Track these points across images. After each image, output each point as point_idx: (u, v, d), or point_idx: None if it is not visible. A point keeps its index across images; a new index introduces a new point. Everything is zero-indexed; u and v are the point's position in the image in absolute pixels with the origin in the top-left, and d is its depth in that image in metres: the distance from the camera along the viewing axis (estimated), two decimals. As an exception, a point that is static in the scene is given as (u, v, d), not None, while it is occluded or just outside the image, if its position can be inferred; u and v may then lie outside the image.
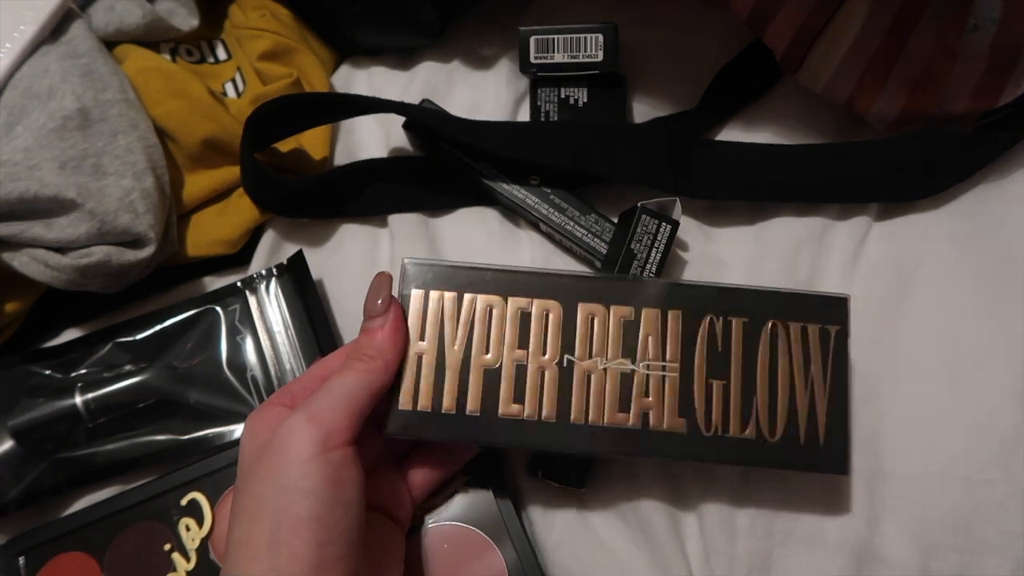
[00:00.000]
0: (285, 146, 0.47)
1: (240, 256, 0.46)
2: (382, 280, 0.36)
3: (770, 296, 0.37)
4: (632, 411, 0.35)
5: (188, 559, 0.39)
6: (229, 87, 0.51)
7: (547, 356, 0.36)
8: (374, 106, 0.45)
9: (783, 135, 0.46)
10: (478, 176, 0.45)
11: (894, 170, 0.43)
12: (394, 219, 0.46)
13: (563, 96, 0.47)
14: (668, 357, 0.36)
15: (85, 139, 0.42)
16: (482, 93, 0.50)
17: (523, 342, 0.36)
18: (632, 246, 0.40)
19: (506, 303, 0.36)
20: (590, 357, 0.36)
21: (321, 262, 0.46)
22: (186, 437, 0.42)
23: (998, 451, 0.38)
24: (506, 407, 0.35)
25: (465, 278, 0.36)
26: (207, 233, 0.46)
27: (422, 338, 0.36)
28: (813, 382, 0.36)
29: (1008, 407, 0.39)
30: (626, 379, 0.36)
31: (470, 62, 0.51)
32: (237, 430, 0.42)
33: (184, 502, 0.40)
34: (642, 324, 0.36)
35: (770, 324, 0.37)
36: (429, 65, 0.51)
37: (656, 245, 0.41)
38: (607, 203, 0.46)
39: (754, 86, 0.47)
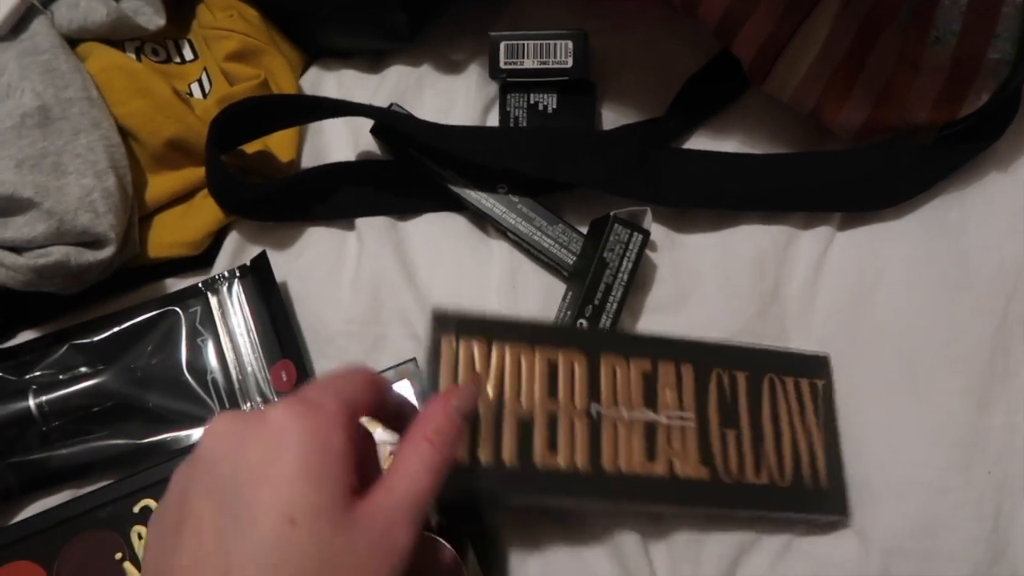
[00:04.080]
0: (251, 148, 0.46)
1: (203, 258, 0.46)
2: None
3: (766, 354, 0.40)
4: (659, 460, 0.36)
5: (141, 569, 0.38)
6: (195, 88, 0.50)
7: (577, 407, 0.36)
8: (342, 109, 0.44)
9: (750, 144, 0.46)
10: (446, 184, 0.45)
11: (857, 180, 0.43)
12: (361, 222, 0.46)
13: (532, 102, 0.47)
14: (685, 407, 0.37)
15: (44, 137, 0.41)
16: (451, 98, 0.49)
17: (552, 391, 0.36)
18: (604, 255, 0.40)
19: (534, 353, 0.36)
20: (616, 407, 0.36)
21: (286, 264, 0.46)
22: (144, 441, 0.41)
23: (957, 457, 0.39)
24: (543, 458, 0.35)
25: (492, 327, 0.36)
26: (169, 234, 0.45)
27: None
28: (811, 430, 0.38)
29: (966, 414, 0.39)
30: (650, 429, 0.36)
31: (440, 67, 0.51)
32: (196, 434, 0.41)
33: (137, 509, 0.39)
34: (660, 376, 0.37)
35: (768, 378, 0.39)
36: (399, 69, 0.50)
37: (628, 255, 0.41)
38: (574, 210, 0.46)
39: (722, 95, 0.48)
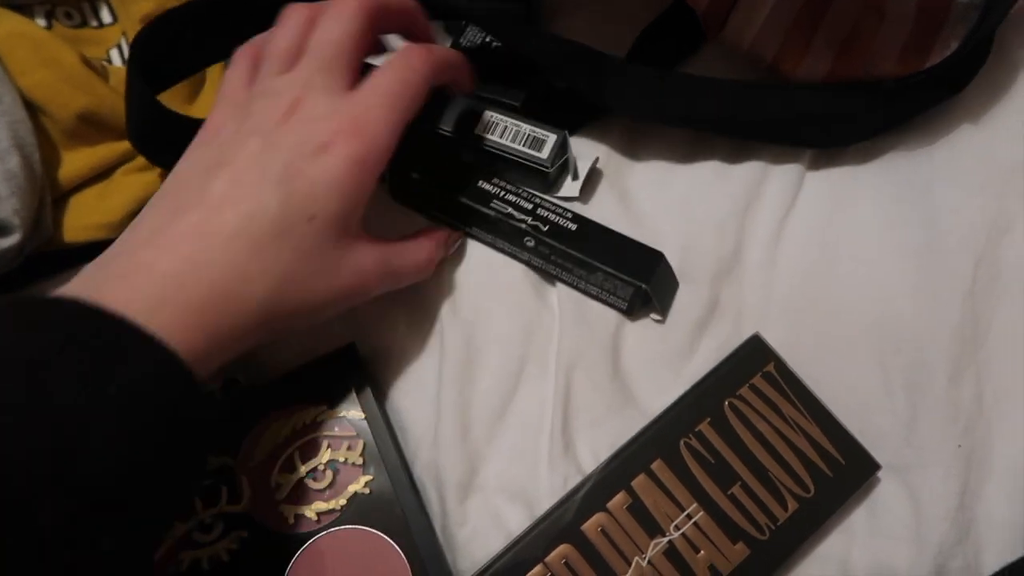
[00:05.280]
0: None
1: (126, 240, 0.43)
2: None
3: (706, 386, 0.37)
4: (700, 574, 0.34)
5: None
6: (115, 54, 0.47)
7: None
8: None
9: (708, 100, 0.43)
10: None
11: (821, 116, 0.40)
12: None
13: (488, 39, 0.44)
14: (684, 504, 0.35)
15: (-63, 115, 0.38)
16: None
17: None
18: None
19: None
20: (630, 564, 0.34)
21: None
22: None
23: (927, 432, 0.37)
24: None
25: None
26: (87, 216, 0.42)
27: None
28: (795, 420, 0.36)
29: (936, 386, 0.37)
30: (673, 554, 0.34)
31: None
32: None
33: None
34: (642, 498, 0.35)
35: (727, 406, 0.36)
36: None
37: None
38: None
39: (678, 49, 0.45)
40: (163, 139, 0.40)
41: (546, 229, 0.38)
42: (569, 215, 0.39)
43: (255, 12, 0.39)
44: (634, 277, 0.37)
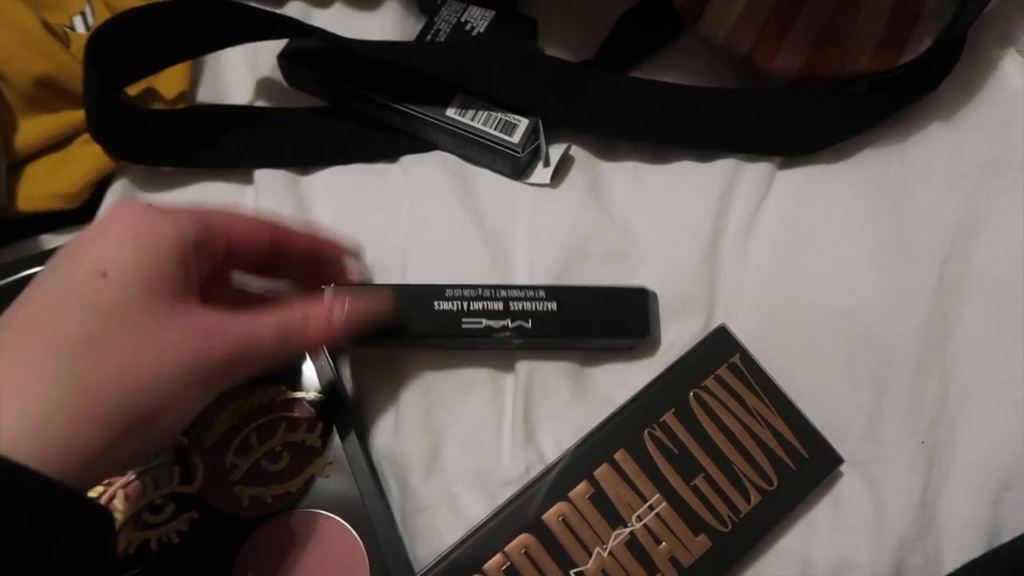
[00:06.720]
0: (133, 90, 0.41)
1: (84, 212, 0.41)
2: None
3: (672, 376, 0.36)
4: (661, 565, 0.33)
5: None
6: (78, 21, 0.45)
7: None
8: (246, 19, 0.39)
9: (683, 90, 0.43)
10: (373, 105, 0.42)
11: (787, 121, 0.40)
12: (260, 175, 0.42)
13: (462, 20, 0.43)
14: (647, 494, 0.34)
15: None
16: (367, 36, 0.45)
17: None
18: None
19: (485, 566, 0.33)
20: (591, 555, 0.33)
21: (175, 220, 0.41)
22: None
23: (890, 426, 0.37)
24: None
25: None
26: (43, 185, 0.41)
27: None
28: (759, 412, 0.36)
29: (900, 381, 0.37)
30: (634, 545, 0.33)
31: (353, 1, 0.46)
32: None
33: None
34: (604, 487, 0.34)
35: (692, 396, 0.36)
36: (301, 6, 0.46)
37: None
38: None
39: (656, 37, 0.44)
40: (123, 133, 0.39)
41: (530, 325, 0.35)
42: (542, 293, 0.36)
43: (211, 16, 0.39)
44: (631, 336, 0.37)
